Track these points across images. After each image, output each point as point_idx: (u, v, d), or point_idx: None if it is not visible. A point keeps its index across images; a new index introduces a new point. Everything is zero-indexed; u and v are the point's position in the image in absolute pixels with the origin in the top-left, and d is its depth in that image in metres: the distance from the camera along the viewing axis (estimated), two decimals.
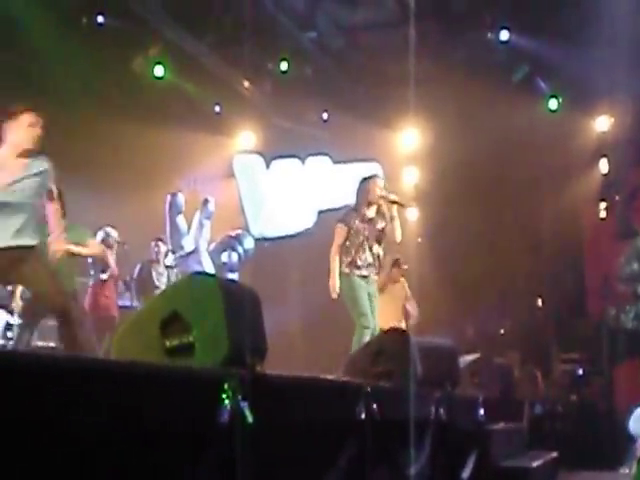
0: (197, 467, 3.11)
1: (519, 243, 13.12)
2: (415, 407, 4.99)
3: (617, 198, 13.61)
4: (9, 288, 9.22)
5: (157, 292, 10.59)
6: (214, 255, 12.62)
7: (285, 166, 15.15)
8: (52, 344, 9.55)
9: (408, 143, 14.30)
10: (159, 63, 12.99)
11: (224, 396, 3.27)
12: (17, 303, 9.22)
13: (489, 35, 12.58)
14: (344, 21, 12.86)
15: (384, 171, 14.19)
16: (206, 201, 12.87)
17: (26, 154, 6.22)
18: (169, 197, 12.76)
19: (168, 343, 3.89)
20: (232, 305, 3.88)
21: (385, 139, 14.24)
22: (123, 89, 12.50)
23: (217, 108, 14.19)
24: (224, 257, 12.66)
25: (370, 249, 8.34)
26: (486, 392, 7.64)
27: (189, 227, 12.68)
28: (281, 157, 15.08)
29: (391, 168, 14.17)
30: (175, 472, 3.04)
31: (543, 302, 14.30)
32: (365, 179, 8.76)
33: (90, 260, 10.34)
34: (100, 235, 10.57)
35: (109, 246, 10.55)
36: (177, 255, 11.72)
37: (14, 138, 6.25)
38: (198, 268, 11.84)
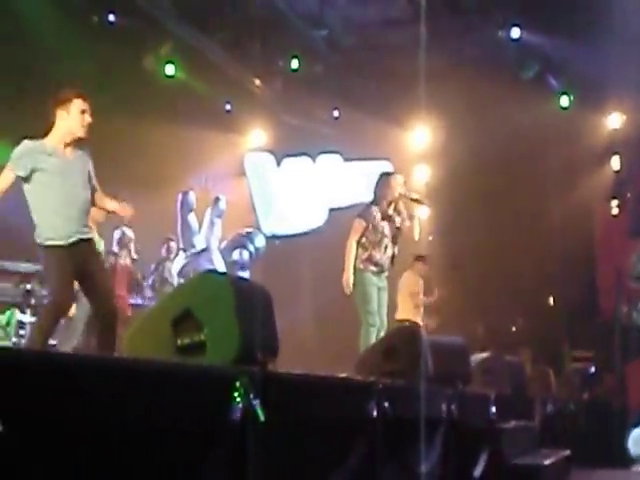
0: (209, 464, 3.11)
1: (530, 241, 13.07)
2: (426, 405, 4.98)
3: (629, 195, 13.57)
4: (27, 286, 9.25)
5: (169, 290, 10.63)
6: (225, 253, 12.63)
7: (296, 164, 15.15)
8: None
9: (419, 141, 14.28)
10: (170, 62, 13.02)
11: (236, 394, 3.28)
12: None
13: (500, 33, 12.55)
14: (355, 19, 12.84)
15: (395, 169, 14.21)
16: (217, 199, 12.88)
17: (77, 142, 6.16)
18: (180, 195, 12.78)
19: (180, 341, 3.90)
20: (243, 303, 3.88)
21: (396, 137, 14.22)
22: (134, 88, 12.51)
23: (228, 106, 14.20)
24: (235, 255, 12.68)
25: (386, 247, 8.33)
26: (498, 390, 7.61)
27: (200, 225, 12.69)
28: (292, 155, 15.08)
29: (402, 166, 14.09)
30: (187, 469, 3.05)
31: (554, 300, 14.26)
32: (385, 175, 8.75)
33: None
34: (117, 234, 10.62)
35: (124, 245, 10.60)
36: (188, 253, 11.75)
37: (66, 124, 6.19)
38: (209, 266, 11.85)
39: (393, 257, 8.44)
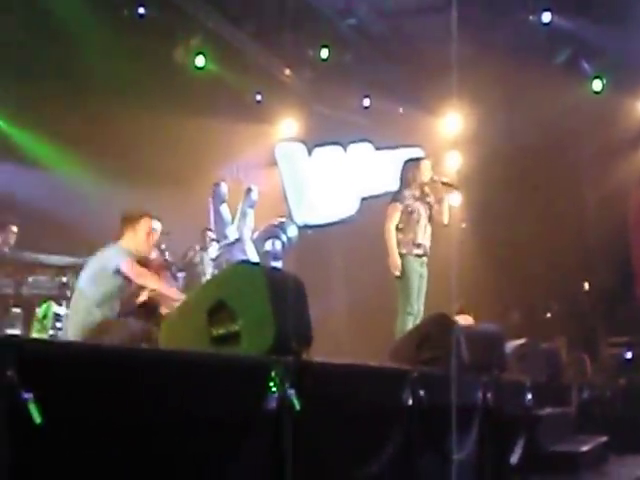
0: (246, 453, 3.13)
1: (564, 227, 12.97)
2: (462, 393, 4.97)
3: None
4: (63, 279, 9.34)
5: (203, 281, 10.65)
6: (258, 244, 12.64)
7: (327, 153, 15.13)
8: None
9: (450, 128, 14.20)
10: (200, 53, 13.05)
11: (271, 383, 3.29)
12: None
13: (531, 18, 12.44)
14: (385, 7, 12.79)
15: (427, 156, 14.14)
16: (249, 190, 12.88)
17: (144, 261, 6.32)
18: (213, 187, 12.81)
19: (215, 332, 3.92)
20: (277, 293, 3.89)
21: (427, 124, 14.16)
22: (165, 80, 12.56)
23: (258, 97, 14.20)
24: (268, 246, 12.68)
25: (425, 227, 8.31)
26: (533, 377, 7.58)
27: (233, 216, 12.72)
28: (323, 144, 15.05)
29: (434, 153, 13.98)
30: (224, 458, 3.07)
31: (590, 286, 14.15)
32: (412, 160, 8.74)
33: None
34: None
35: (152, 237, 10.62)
36: (222, 244, 11.77)
37: (133, 244, 6.53)
38: (242, 257, 11.86)
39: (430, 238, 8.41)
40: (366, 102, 14.24)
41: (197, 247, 11.12)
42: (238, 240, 12.27)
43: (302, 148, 15.10)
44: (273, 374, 3.30)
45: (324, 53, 13.32)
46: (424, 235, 8.32)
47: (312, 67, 13.89)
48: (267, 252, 12.51)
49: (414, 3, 12.57)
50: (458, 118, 13.98)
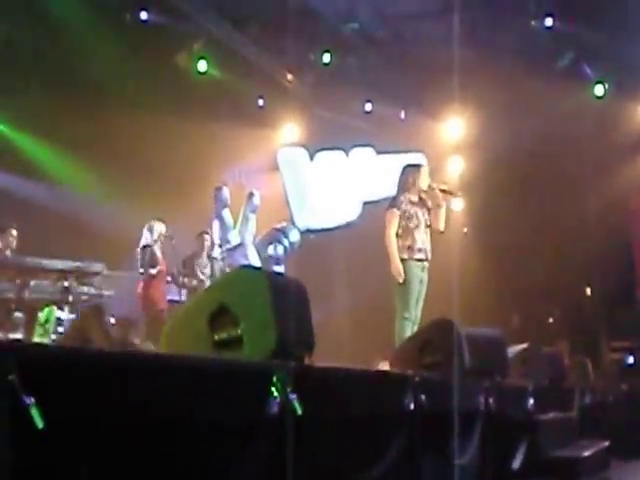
0: (247, 458, 3.13)
1: (566, 231, 12.97)
2: (464, 397, 4.97)
3: None
4: (65, 284, 9.35)
5: (201, 285, 10.66)
6: (260, 248, 12.65)
7: (329, 158, 15.14)
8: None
9: (453, 133, 14.21)
10: (202, 58, 13.08)
11: (273, 388, 3.29)
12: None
13: (533, 22, 12.47)
14: (386, 11, 12.80)
15: (429, 161, 14.15)
16: (251, 194, 12.89)
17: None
18: (215, 191, 12.82)
19: (217, 336, 3.92)
20: (279, 298, 3.89)
21: (429, 129, 14.17)
22: (168, 85, 12.59)
23: (260, 101, 14.22)
24: (270, 250, 12.68)
25: (425, 233, 8.31)
26: (535, 382, 7.57)
27: (235, 221, 12.73)
28: (325, 149, 15.06)
29: (436, 158, 14.09)
30: (226, 463, 3.06)
31: (592, 290, 14.14)
32: (409, 167, 8.74)
33: (139, 256, 10.46)
34: (146, 228, 10.66)
35: (156, 241, 10.65)
36: (224, 249, 11.77)
37: None
38: (244, 261, 11.86)
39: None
40: (368, 107, 14.26)
41: (196, 250, 11.12)
42: (240, 245, 12.27)
43: (304, 153, 15.10)
44: (275, 379, 3.30)
45: (326, 58, 13.35)
46: (424, 240, 8.32)
47: (314, 72, 13.90)
48: (269, 257, 12.51)
49: (416, 8, 12.59)
50: (460, 123, 13.99)
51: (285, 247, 12.72)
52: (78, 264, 9.65)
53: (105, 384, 2.59)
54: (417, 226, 8.27)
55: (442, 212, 8.46)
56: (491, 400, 5.75)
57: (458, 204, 13.60)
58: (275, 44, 12.76)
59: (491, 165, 13.27)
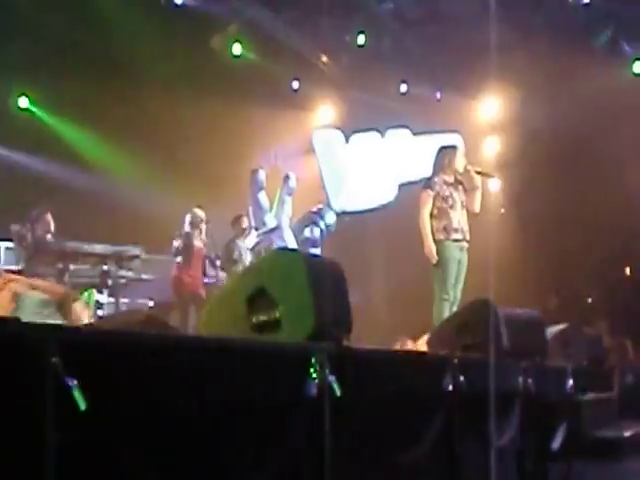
0: (286, 440, 3.14)
1: (605, 210, 12.83)
2: (503, 378, 4.96)
3: None
4: (104, 267, 9.45)
5: (239, 268, 10.69)
6: (296, 231, 12.64)
7: (365, 140, 15.08)
8: None
9: (489, 113, 14.11)
10: (237, 41, 13.09)
11: (312, 370, 3.30)
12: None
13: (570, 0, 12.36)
14: None
15: (465, 141, 14.06)
16: (287, 177, 12.88)
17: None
18: (250, 174, 12.84)
19: (255, 319, 3.93)
20: (317, 280, 3.89)
21: (465, 109, 14.08)
22: (202, 68, 12.62)
23: (295, 84, 14.21)
24: (306, 232, 12.67)
25: (461, 213, 8.28)
26: (575, 362, 7.53)
27: (271, 204, 12.74)
28: (360, 131, 15.01)
29: (472, 138, 13.99)
30: (265, 445, 3.08)
31: (631, 270, 14.01)
32: (445, 148, 8.71)
33: (175, 243, 10.54)
34: (188, 216, 10.74)
35: (196, 226, 10.72)
36: (260, 232, 11.80)
37: None
38: (281, 244, 11.87)
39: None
40: (403, 87, 14.19)
41: (236, 236, 11.16)
42: (277, 227, 12.29)
43: (339, 135, 15.07)
44: (313, 360, 3.31)
45: (361, 39, 13.31)
46: (460, 220, 8.28)
47: (349, 53, 13.87)
48: (306, 239, 12.51)
49: None
50: (497, 102, 13.88)
51: (321, 229, 12.71)
52: (117, 248, 9.75)
53: (146, 366, 2.62)
54: (452, 206, 8.24)
55: (478, 194, 8.42)
56: (530, 381, 5.73)
57: (495, 185, 13.52)
58: (310, 26, 12.74)
59: (528, 144, 13.16)
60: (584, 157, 12.91)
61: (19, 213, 10.05)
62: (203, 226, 10.77)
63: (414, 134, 14.77)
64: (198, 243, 10.74)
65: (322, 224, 12.71)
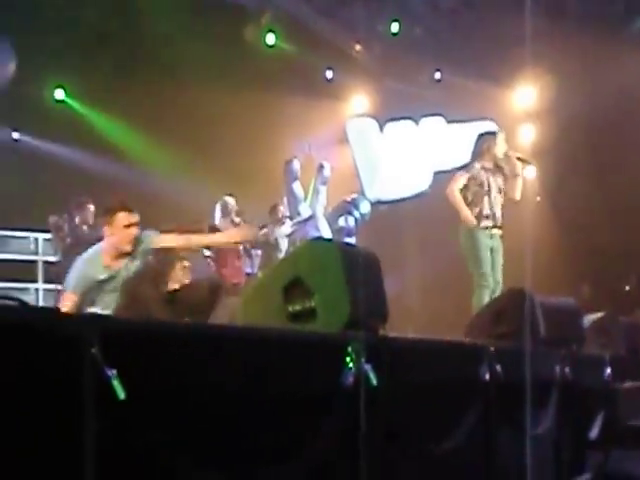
0: (323, 428, 3.15)
1: None
2: (539, 367, 4.93)
3: None
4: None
5: (275, 258, 10.71)
6: (331, 220, 12.63)
7: (399, 128, 15.03)
8: None
9: (524, 101, 14.01)
10: (271, 31, 13.10)
11: (348, 359, 3.30)
12: None
13: None
14: None
15: (500, 130, 13.96)
16: (321, 167, 12.86)
17: (123, 256, 6.12)
18: (285, 164, 12.85)
19: (291, 308, 3.95)
20: (352, 269, 3.89)
21: (500, 97, 13.98)
22: (236, 59, 12.64)
23: (329, 73, 14.19)
24: (341, 222, 12.65)
25: (495, 199, 8.23)
26: (613, 351, 7.47)
27: (306, 193, 12.75)
28: (395, 119, 14.96)
29: (507, 126, 13.85)
30: (302, 433, 3.09)
31: None
32: (485, 134, 8.67)
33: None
34: (219, 204, 10.76)
35: (227, 215, 10.73)
36: (295, 221, 11.81)
37: (111, 241, 6.17)
38: (316, 233, 11.87)
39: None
40: (437, 76, 14.12)
41: (270, 225, 11.18)
42: (311, 217, 12.29)
43: (374, 123, 15.02)
44: (349, 350, 3.32)
45: (394, 27, 13.26)
46: (493, 206, 8.23)
47: (383, 42, 13.82)
48: (340, 228, 12.49)
49: None
50: (532, 90, 13.78)
51: (356, 218, 12.68)
52: None
53: (183, 356, 2.64)
54: (488, 192, 8.20)
55: (519, 181, 8.37)
56: (567, 369, 5.70)
57: (531, 172, 13.45)
58: (343, 15, 12.71)
59: (564, 132, 13.04)
60: (620, 144, 12.78)
61: (57, 204, 10.14)
62: (234, 214, 10.75)
63: (448, 122, 14.69)
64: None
65: (357, 213, 12.68)
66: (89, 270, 6.09)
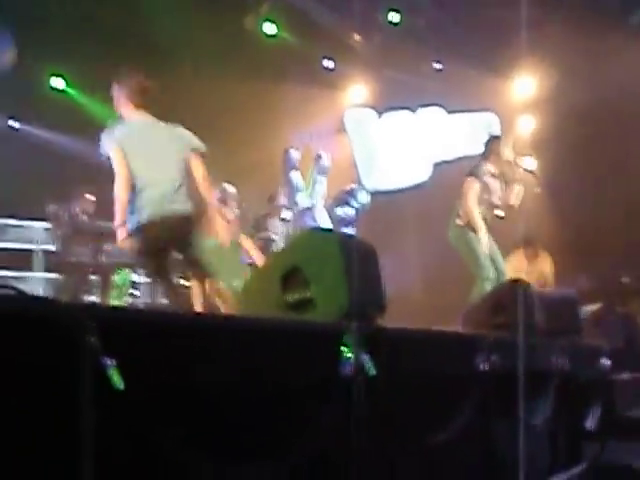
0: (322, 417, 3.16)
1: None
2: (537, 358, 4.94)
3: None
4: None
5: (273, 247, 10.70)
6: (330, 210, 12.63)
7: (397, 118, 15.01)
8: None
9: (524, 91, 13.99)
10: (270, 20, 13.08)
11: (346, 349, 3.31)
12: None
13: None
14: None
15: (500, 120, 13.99)
16: (319, 157, 12.86)
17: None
18: (283, 154, 12.85)
19: (289, 298, 3.95)
20: (350, 259, 3.90)
21: (500, 87, 13.95)
22: (235, 48, 12.61)
23: (328, 63, 14.17)
24: (339, 212, 12.66)
25: (494, 207, 8.34)
26: (610, 342, 7.49)
27: (304, 183, 12.75)
28: (393, 109, 14.94)
29: (506, 117, 13.92)
30: (301, 422, 3.10)
31: None
32: (495, 137, 8.83)
33: None
34: (217, 192, 10.72)
35: (224, 202, 10.69)
36: (294, 211, 11.80)
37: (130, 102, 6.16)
38: (314, 224, 11.88)
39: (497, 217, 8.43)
40: (437, 66, 14.10)
41: (269, 213, 11.16)
42: (310, 207, 12.29)
43: (372, 113, 15.00)
44: (347, 339, 3.32)
45: (395, 17, 13.24)
46: (493, 212, 8.37)
47: (382, 32, 13.78)
48: (339, 219, 12.50)
49: None
50: (531, 81, 13.76)
51: (355, 209, 12.69)
52: None
53: (181, 345, 2.64)
54: (489, 199, 8.34)
55: (519, 189, 8.51)
56: (565, 360, 5.71)
57: (531, 164, 13.43)
58: (342, 5, 12.67)
59: (564, 123, 13.02)
60: (620, 135, 12.77)
61: (56, 194, 10.13)
62: (233, 203, 10.70)
63: (448, 112, 14.68)
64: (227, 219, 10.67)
65: (355, 203, 12.68)
66: None
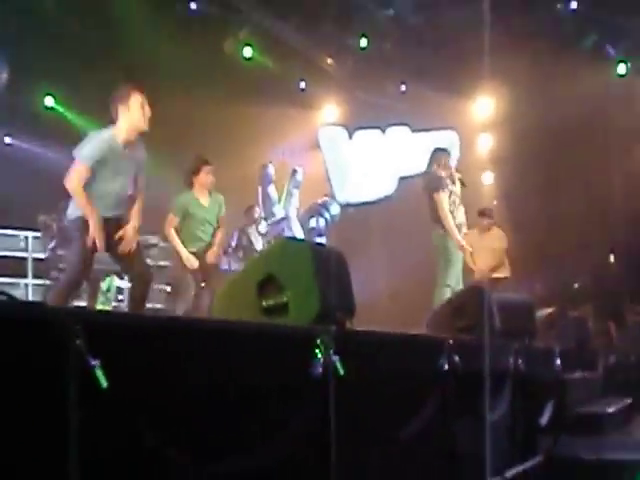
0: (294, 416, 3.15)
1: (591, 204, 12.85)
2: (495, 359, 4.95)
3: None
4: None
5: (250, 256, 10.67)
6: (303, 221, 12.64)
7: (367, 136, 15.09)
8: (159, 305, 9.76)
9: (483, 111, 14.09)
10: (248, 44, 13.11)
11: (317, 351, 3.30)
12: None
13: (559, 6, 12.39)
14: None
15: (461, 138, 14.07)
16: (294, 171, 12.87)
17: (139, 135, 6.13)
18: (260, 169, 12.85)
19: (265, 303, 3.94)
20: (322, 267, 3.90)
21: (461, 108, 14.06)
22: (215, 70, 12.63)
23: (302, 84, 14.23)
24: (312, 223, 12.66)
25: (459, 207, 8.39)
26: (562, 344, 7.54)
27: (279, 196, 12.75)
28: (363, 128, 15.02)
29: (467, 135, 14.02)
30: (274, 420, 3.08)
31: (615, 257, 14.02)
32: (440, 150, 8.82)
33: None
34: None
35: None
36: (269, 222, 11.79)
37: (129, 120, 6.09)
38: (289, 234, 11.87)
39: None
40: (403, 88, 14.19)
41: (247, 225, 11.14)
42: (285, 218, 12.28)
43: (343, 132, 15.08)
44: (319, 342, 3.31)
45: (363, 42, 13.31)
46: (461, 215, 8.41)
47: (352, 56, 13.86)
48: (312, 229, 12.49)
49: None
50: (490, 101, 13.86)
51: (326, 220, 12.69)
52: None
53: (163, 348, 2.62)
54: (454, 201, 8.37)
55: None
56: (520, 361, 5.74)
57: (488, 178, 13.59)
58: (315, 31, 12.73)
59: (520, 141, 13.13)
60: (572, 153, 12.90)
61: (47, 205, 10.06)
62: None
63: (413, 131, 14.77)
64: None
65: (327, 215, 12.69)
66: (104, 145, 5.98)
